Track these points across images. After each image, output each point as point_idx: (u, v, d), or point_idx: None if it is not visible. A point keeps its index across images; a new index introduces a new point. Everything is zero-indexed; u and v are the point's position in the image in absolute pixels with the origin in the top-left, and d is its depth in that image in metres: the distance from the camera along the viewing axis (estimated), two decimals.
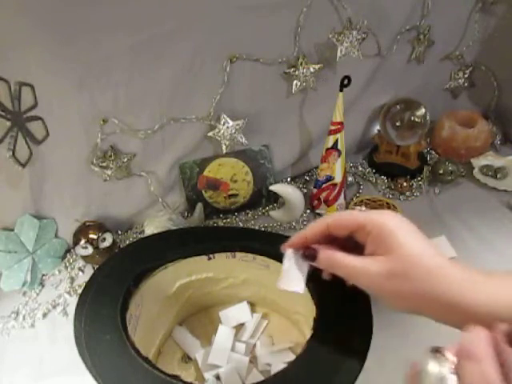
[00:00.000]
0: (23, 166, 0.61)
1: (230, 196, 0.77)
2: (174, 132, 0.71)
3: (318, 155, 0.75)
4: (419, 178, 0.83)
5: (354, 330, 0.44)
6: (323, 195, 0.75)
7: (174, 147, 0.73)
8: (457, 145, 0.85)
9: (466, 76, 0.89)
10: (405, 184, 0.80)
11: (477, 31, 0.84)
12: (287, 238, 0.60)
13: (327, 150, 0.72)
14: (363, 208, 0.67)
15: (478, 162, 0.84)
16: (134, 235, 0.76)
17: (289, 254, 0.44)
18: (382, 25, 0.75)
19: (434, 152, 0.89)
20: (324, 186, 0.74)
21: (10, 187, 0.65)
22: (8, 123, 0.57)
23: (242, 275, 0.59)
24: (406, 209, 0.76)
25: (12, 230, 0.67)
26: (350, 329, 0.44)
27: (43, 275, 0.71)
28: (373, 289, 0.38)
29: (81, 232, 0.68)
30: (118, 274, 0.52)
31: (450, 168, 0.80)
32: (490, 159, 0.84)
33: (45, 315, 0.65)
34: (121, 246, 0.73)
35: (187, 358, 0.57)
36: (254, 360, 0.56)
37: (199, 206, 0.75)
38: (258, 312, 0.61)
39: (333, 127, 0.70)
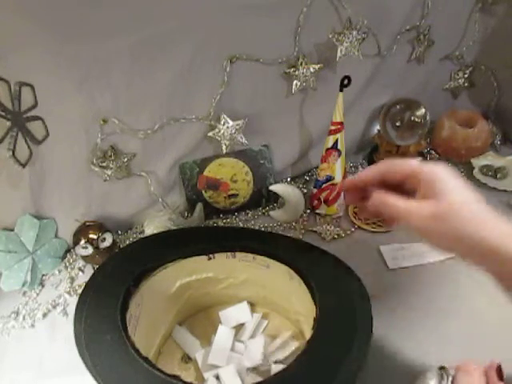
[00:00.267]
0: (23, 165, 0.61)
1: (230, 196, 0.77)
2: (173, 132, 0.71)
3: (318, 155, 0.75)
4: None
5: (354, 329, 0.44)
6: (323, 195, 0.75)
7: (174, 147, 0.73)
8: (457, 145, 0.85)
9: (465, 76, 0.89)
10: None
11: (477, 31, 0.84)
12: (287, 238, 0.61)
13: (327, 150, 0.72)
14: (419, 158, 0.68)
15: (478, 162, 0.84)
16: (134, 235, 0.76)
17: None
18: (382, 25, 0.75)
19: (434, 152, 0.89)
20: (324, 185, 0.74)
21: (10, 187, 0.65)
22: (8, 123, 0.57)
23: (242, 275, 0.59)
24: None
25: (12, 230, 0.67)
26: (350, 329, 0.44)
27: (43, 275, 0.71)
28: (420, 229, 0.40)
29: (81, 232, 0.68)
30: (118, 274, 0.52)
31: None
32: (489, 159, 0.84)
33: (45, 315, 0.65)
34: (121, 245, 0.73)
35: (187, 358, 0.57)
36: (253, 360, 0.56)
37: (199, 206, 0.75)
38: (258, 312, 0.61)
39: (333, 127, 0.70)
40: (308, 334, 0.46)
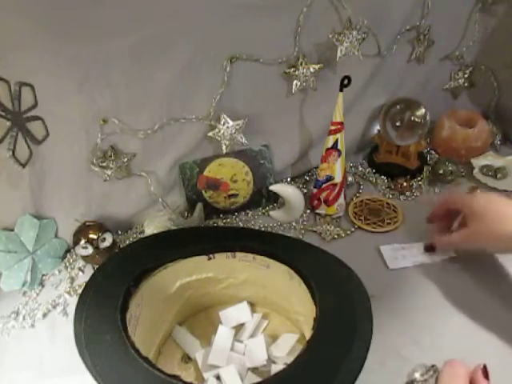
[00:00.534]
0: (23, 166, 0.61)
1: (230, 196, 0.77)
2: (173, 132, 0.71)
3: (318, 155, 0.75)
4: (419, 178, 0.83)
5: (353, 330, 0.44)
6: (323, 195, 0.75)
7: (174, 147, 0.73)
8: (457, 145, 0.85)
9: (465, 76, 0.89)
10: (405, 184, 0.80)
11: (477, 31, 0.84)
12: (287, 237, 0.61)
13: (327, 150, 0.72)
14: (478, 190, 0.76)
15: (478, 162, 0.84)
16: (134, 235, 0.76)
17: None
18: (382, 25, 0.75)
19: (433, 152, 0.89)
20: (324, 185, 0.74)
21: (10, 187, 0.65)
22: (8, 123, 0.57)
23: (241, 275, 0.59)
24: (406, 209, 0.76)
25: (12, 230, 0.67)
26: (350, 329, 0.44)
27: (43, 275, 0.71)
28: (475, 245, 0.62)
29: (81, 232, 0.68)
30: (118, 274, 0.52)
31: (450, 168, 0.80)
32: (489, 159, 0.84)
33: (45, 315, 0.65)
34: (121, 245, 0.73)
35: (187, 358, 0.57)
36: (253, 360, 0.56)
37: (199, 206, 0.75)
38: (258, 312, 0.61)
39: (333, 127, 0.70)
40: (308, 333, 0.46)
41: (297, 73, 0.72)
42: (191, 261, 0.56)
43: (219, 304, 0.62)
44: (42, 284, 0.70)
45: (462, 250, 0.65)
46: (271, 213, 0.78)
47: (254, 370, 0.55)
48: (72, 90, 0.61)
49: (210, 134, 0.72)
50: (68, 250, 0.74)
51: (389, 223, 0.74)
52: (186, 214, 0.79)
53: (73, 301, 0.66)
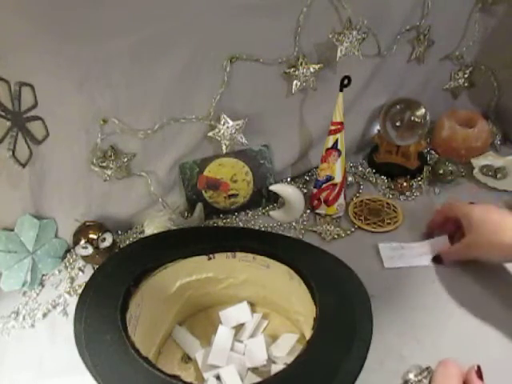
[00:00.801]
0: (23, 166, 0.61)
1: (230, 196, 0.77)
2: (173, 132, 0.71)
3: (318, 155, 0.75)
4: (419, 178, 0.83)
5: (353, 330, 0.44)
6: (323, 195, 0.75)
7: (174, 147, 0.73)
8: (457, 145, 0.85)
9: (465, 76, 0.89)
10: (405, 184, 0.80)
11: (477, 31, 0.84)
12: (287, 237, 0.61)
13: (327, 150, 0.72)
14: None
15: (478, 162, 0.84)
16: (134, 235, 0.76)
17: None
18: (382, 25, 0.75)
19: (433, 152, 0.89)
20: (324, 185, 0.74)
21: (10, 187, 0.65)
22: (8, 123, 0.57)
23: (241, 275, 0.59)
24: (406, 209, 0.76)
25: (12, 230, 0.67)
26: (350, 329, 0.44)
27: (43, 275, 0.71)
28: (475, 255, 0.62)
29: (81, 232, 0.68)
30: (118, 274, 0.52)
31: (450, 168, 0.80)
32: (490, 159, 0.84)
33: (45, 315, 0.65)
34: (121, 245, 0.73)
35: (187, 358, 0.57)
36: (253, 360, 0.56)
37: (199, 206, 0.75)
38: (258, 312, 0.61)
39: (333, 127, 0.70)
40: (308, 334, 0.46)
41: (297, 73, 0.72)
42: (191, 261, 0.56)
43: (219, 304, 0.62)
44: (42, 284, 0.70)
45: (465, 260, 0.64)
46: (271, 213, 0.78)
47: (254, 369, 0.55)
48: (72, 90, 0.61)
49: (210, 133, 0.72)
50: (68, 250, 0.74)
51: (389, 223, 0.74)
52: (186, 214, 0.79)
53: (73, 301, 0.66)
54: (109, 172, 0.69)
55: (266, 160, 0.78)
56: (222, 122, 0.71)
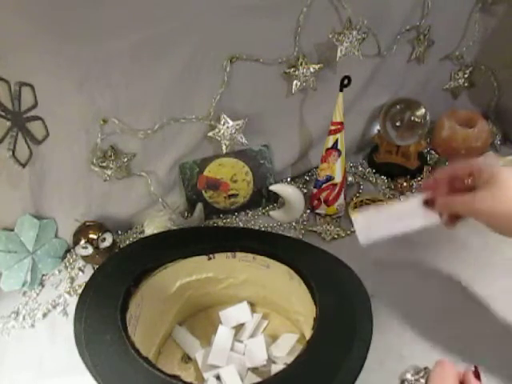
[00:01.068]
0: (23, 166, 0.61)
1: (230, 196, 0.77)
2: (173, 132, 0.71)
3: (318, 155, 0.75)
4: (419, 178, 0.83)
5: (353, 330, 0.44)
6: (323, 195, 0.75)
7: (174, 147, 0.73)
8: (457, 145, 0.85)
9: (465, 76, 0.89)
10: (405, 184, 0.80)
11: (477, 31, 0.84)
12: (287, 237, 0.61)
13: (327, 150, 0.72)
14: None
15: None
16: (134, 235, 0.76)
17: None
18: (382, 25, 0.75)
19: (433, 152, 0.89)
20: (324, 185, 0.74)
21: (10, 187, 0.64)
22: (8, 123, 0.57)
23: (241, 275, 0.59)
24: None
25: (12, 230, 0.67)
26: (350, 329, 0.44)
27: (43, 275, 0.71)
28: (483, 211, 0.46)
29: (81, 232, 0.68)
30: (118, 274, 0.52)
31: None
32: None
33: (45, 315, 0.65)
34: (121, 245, 0.73)
35: (187, 358, 0.57)
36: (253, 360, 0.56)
37: (199, 206, 0.75)
38: (258, 312, 0.61)
39: (333, 127, 0.70)
40: (308, 334, 0.46)
41: (297, 73, 0.72)
42: (191, 261, 0.56)
43: (219, 304, 0.62)
44: (42, 284, 0.70)
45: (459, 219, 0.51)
46: (271, 213, 0.78)
47: (254, 369, 0.55)
48: (72, 90, 0.61)
49: (210, 133, 0.72)
50: (68, 250, 0.74)
51: None
52: (186, 214, 0.79)
53: (73, 301, 0.66)
54: (109, 172, 0.69)
55: (265, 160, 0.78)
56: (222, 122, 0.71)
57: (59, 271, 0.71)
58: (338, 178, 0.73)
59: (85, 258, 0.69)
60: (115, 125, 0.66)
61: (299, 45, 0.71)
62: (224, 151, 0.73)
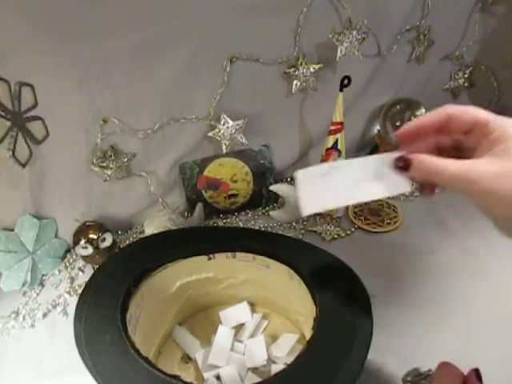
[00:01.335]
0: (23, 166, 0.61)
1: (230, 196, 0.77)
2: (173, 132, 0.71)
3: (317, 155, 0.75)
4: None
5: (354, 329, 0.44)
6: None
7: (174, 147, 0.73)
8: None
9: (465, 76, 0.89)
10: None
11: (477, 31, 0.84)
12: (287, 238, 0.61)
13: (327, 150, 0.72)
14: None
15: None
16: (134, 235, 0.76)
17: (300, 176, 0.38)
18: (382, 25, 0.75)
19: None
20: None
21: (10, 187, 0.65)
22: (8, 123, 0.57)
23: (241, 275, 0.59)
24: (406, 209, 0.76)
25: (12, 230, 0.67)
26: (350, 329, 0.44)
27: (43, 275, 0.71)
28: (480, 186, 0.33)
29: (81, 232, 0.68)
30: (118, 274, 0.52)
31: None
32: None
33: (45, 315, 0.65)
34: (121, 245, 0.73)
35: (187, 358, 0.57)
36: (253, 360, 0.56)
37: (199, 206, 0.75)
38: (258, 312, 0.61)
39: (333, 127, 0.70)
40: (308, 334, 0.46)
41: (297, 73, 0.72)
42: (191, 261, 0.56)
43: (219, 304, 0.62)
44: (42, 284, 0.70)
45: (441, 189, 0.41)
46: (271, 213, 0.78)
47: (254, 369, 0.55)
48: (72, 90, 0.61)
49: (210, 133, 0.72)
50: (68, 250, 0.74)
51: (389, 223, 0.74)
52: (186, 214, 0.79)
53: (73, 301, 0.66)
54: (109, 172, 0.69)
55: (265, 160, 0.78)
56: (222, 122, 0.71)
57: (59, 271, 0.71)
58: None
59: (85, 258, 0.69)
60: (115, 125, 0.66)
61: (299, 45, 0.71)
62: (224, 151, 0.73)
